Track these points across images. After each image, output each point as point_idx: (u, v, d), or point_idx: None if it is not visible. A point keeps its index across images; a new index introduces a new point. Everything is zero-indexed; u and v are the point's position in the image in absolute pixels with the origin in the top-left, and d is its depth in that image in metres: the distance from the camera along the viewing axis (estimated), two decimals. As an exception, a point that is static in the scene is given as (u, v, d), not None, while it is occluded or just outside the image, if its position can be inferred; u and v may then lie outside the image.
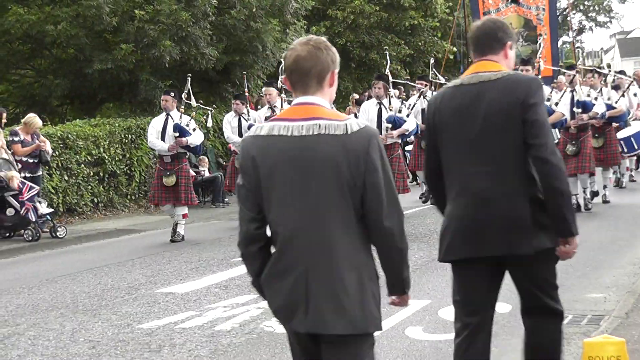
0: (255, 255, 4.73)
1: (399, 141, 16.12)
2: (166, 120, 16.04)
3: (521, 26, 24.88)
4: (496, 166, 5.63)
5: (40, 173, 17.56)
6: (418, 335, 8.77)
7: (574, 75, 17.02)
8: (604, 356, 5.02)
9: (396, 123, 15.51)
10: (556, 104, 16.06)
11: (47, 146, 17.35)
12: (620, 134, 18.84)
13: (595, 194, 17.44)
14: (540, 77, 15.66)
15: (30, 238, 16.29)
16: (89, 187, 20.10)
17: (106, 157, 20.48)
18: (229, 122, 18.32)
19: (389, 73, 16.93)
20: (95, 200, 20.43)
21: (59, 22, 23.06)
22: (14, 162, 16.53)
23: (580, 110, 16.30)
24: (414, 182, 22.48)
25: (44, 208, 16.41)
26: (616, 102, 17.87)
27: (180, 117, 16.03)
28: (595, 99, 16.66)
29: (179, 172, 15.94)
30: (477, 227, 5.65)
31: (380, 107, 15.79)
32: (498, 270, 5.88)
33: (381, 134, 14.95)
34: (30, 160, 17.08)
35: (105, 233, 17.57)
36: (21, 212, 16.02)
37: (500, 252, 5.66)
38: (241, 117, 18.10)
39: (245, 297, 10.92)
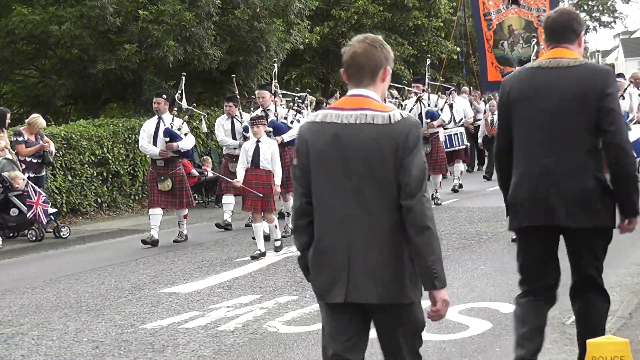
0: (304, 230, 5.16)
1: None
2: (158, 123, 15.74)
3: (522, 28, 24.70)
4: (566, 146, 6.11)
5: (44, 173, 17.56)
6: (423, 335, 8.74)
7: None
8: (607, 356, 5.02)
9: None
10: None
11: (51, 147, 17.33)
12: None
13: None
14: None
15: (34, 238, 16.31)
16: (93, 187, 20.10)
17: (110, 157, 20.49)
18: (222, 125, 17.94)
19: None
20: (99, 200, 20.44)
21: (63, 23, 23.07)
22: (18, 163, 16.53)
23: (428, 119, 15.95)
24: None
25: (48, 208, 16.43)
26: None
27: (172, 121, 15.74)
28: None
29: (174, 176, 15.66)
30: (545, 199, 6.15)
31: None
32: (556, 239, 6.46)
33: None
34: (34, 161, 17.06)
35: (108, 233, 17.58)
36: (28, 215, 16.03)
37: (565, 223, 6.19)
38: (234, 120, 17.72)
39: (249, 297, 10.93)
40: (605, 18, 79.31)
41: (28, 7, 23.57)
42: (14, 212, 16.17)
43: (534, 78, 6.26)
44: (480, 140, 25.63)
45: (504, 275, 11.51)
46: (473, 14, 26.63)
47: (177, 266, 13.41)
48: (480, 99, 28.49)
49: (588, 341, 5.17)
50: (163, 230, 15.86)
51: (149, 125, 15.97)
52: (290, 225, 15.30)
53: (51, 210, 16.62)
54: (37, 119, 17.47)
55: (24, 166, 16.61)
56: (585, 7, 78.26)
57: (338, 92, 30.79)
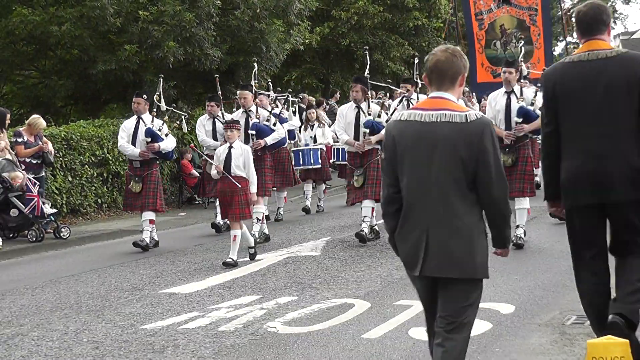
0: (393, 215, 6.08)
1: (378, 147, 14.47)
2: (137, 123, 15.32)
3: (514, 27, 24.34)
4: (613, 128, 6.85)
5: (43, 174, 17.54)
6: (422, 336, 8.73)
7: None
8: (608, 357, 5.03)
9: (374, 128, 14.42)
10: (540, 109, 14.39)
11: (49, 147, 17.31)
12: None
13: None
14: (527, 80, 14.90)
15: (34, 239, 16.30)
16: (93, 187, 20.08)
17: (110, 157, 20.48)
18: (203, 125, 17.50)
19: (368, 75, 16.00)
20: (99, 201, 20.42)
21: (63, 23, 23.08)
22: (18, 163, 16.51)
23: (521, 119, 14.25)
24: None
25: (47, 209, 16.41)
26: None
27: (152, 121, 15.33)
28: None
29: (148, 177, 15.14)
30: (596, 179, 6.90)
31: (358, 112, 14.74)
32: (605, 213, 7.15)
33: (358, 139, 14.53)
34: (34, 162, 17.04)
35: (108, 234, 17.58)
36: (25, 211, 16.02)
37: (615, 199, 6.92)
38: (215, 120, 17.29)
39: (249, 297, 10.93)
40: (605, 19, 79.20)
41: (28, 7, 23.55)
42: (14, 212, 16.14)
43: (577, 71, 6.99)
44: None
45: (504, 276, 11.51)
46: (464, 14, 26.32)
47: (177, 267, 13.41)
48: (474, 100, 28.13)
49: (588, 342, 5.19)
50: (164, 231, 15.87)
51: (128, 124, 15.59)
52: (265, 230, 15.36)
53: (51, 210, 16.62)
54: (38, 119, 17.45)
55: (23, 167, 16.58)
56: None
57: (338, 93, 30.82)
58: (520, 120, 13.21)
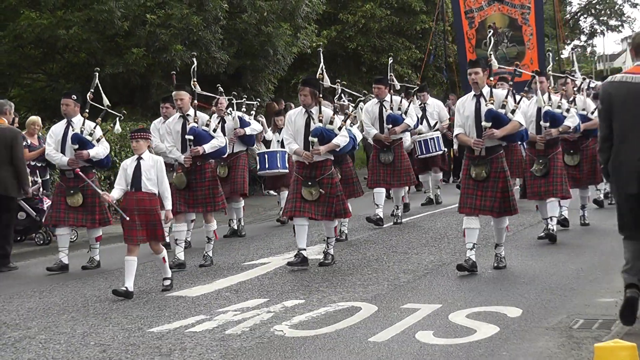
0: (606, 150, 8.64)
1: (331, 157, 13.10)
2: (67, 128, 14.05)
3: (505, 26, 23.81)
4: None
5: (48, 177, 17.56)
6: (428, 339, 8.76)
7: (537, 82, 14.19)
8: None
9: (324, 136, 12.76)
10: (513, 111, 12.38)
11: None
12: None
13: (565, 221, 15.27)
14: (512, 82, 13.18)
15: (42, 242, 16.32)
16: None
17: (117, 161, 20.46)
18: (157, 130, 15.98)
19: (326, 78, 14.18)
20: (107, 204, 20.40)
21: (70, 27, 23.14)
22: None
23: (548, 123, 13.78)
24: (419, 189, 22.06)
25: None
26: (592, 113, 15.43)
27: (83, 124, 13.95)
28: (567, 110, 14.07)
29: (85, 189, 13.85)
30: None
31: (308, 118, 12.97)
32: None
33: (307, 149, 12.80)
34: (39, 164, 17.06)
35: (116, 237, 17.49)
36: (33, 215, 16.04)
37: None
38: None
39: (256, 300, 10.93)
40: (612, 22, 79.14)
41: (36, 11, 23.61)
42: (21, 215, 16.17)
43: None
44: (455, 147, 23.10)
45: (511, 279, 11.52)
46: (453, 12, 25.83)
47: (184, 270, 13.41)
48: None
49: (596, 345, 5.18)
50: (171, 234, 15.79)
51: (57, 129, 14.19)
52: (210, 253, 13.98)
53: None
54: (32, 117, 17.50)
55: (28, 170, 16.57)
56: (593, 11, 78.17)
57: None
58: (489, 124, 11.66)
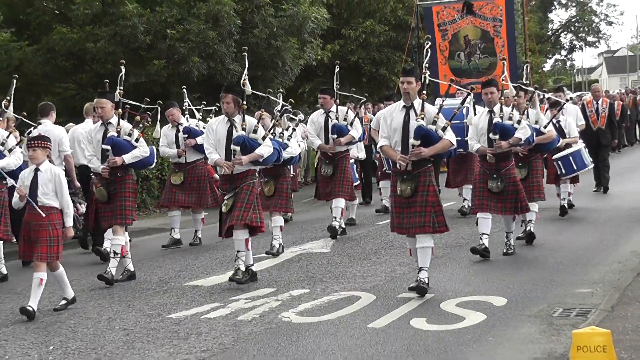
0: None
1: (254, 168, 11.40)
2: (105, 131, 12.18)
3: (478, 38, 23.21)
4: None
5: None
6: (422, 325, 8.77)
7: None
8: (591, 346, 5.02)
9: (247, 146, 10.99)
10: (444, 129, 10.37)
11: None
12: (558, 154, 15.75)
13: (530, 236, 13.52)
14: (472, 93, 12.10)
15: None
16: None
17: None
18: (165, 135, 15.16)
19: (247, 85, 11.67)
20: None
21: (98, 40, 23.21)
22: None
23: (497, 136, 11.88)
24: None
25: (83, 208, 16.36)
26: (545, 127, 13.62)
27: (119, 124, 12.10)
28: (519, 122, 12.24)
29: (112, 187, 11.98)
30: None
31: (230, 126, 11.20)
32: None
33: (229, 159, 11.04)
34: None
35: (138, 231, 17.53)
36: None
37: None
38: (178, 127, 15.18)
39: (265, 290, 10.94)
40: (590, 38, 79.13)
41: (67, 26, 23.72)
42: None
43: None
44: None
45: (498, 271, 11.51)
46: (426, 25, 25.14)
47: (200, 262, 13.42)
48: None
49: (574, 332, 5.18)
50: (188, 229, 15.82)
51: (96, 135, 12.34)
52: (130, 267, 12.15)
53: (83, 209, 16.52)
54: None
55: None
56: (573, 29, 78.14)
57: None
58: (417, 142, 9.81)
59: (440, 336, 8.34)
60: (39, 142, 10.04)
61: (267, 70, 25.94)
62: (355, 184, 16.63)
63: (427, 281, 10.14)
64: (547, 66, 73.52)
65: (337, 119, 14.71)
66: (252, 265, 11.56)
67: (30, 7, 24.59)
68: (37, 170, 9.92)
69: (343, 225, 15.58)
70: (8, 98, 12.79)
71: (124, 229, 11.98)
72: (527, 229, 13.43)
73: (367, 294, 10.28)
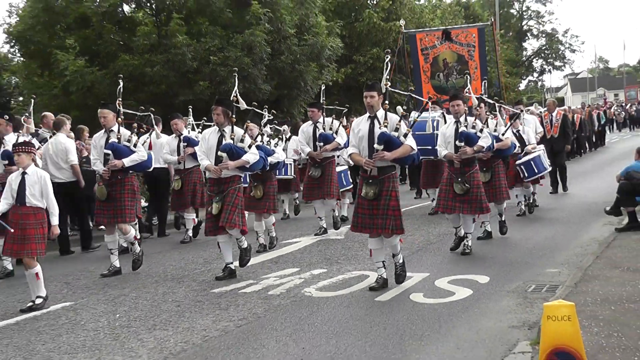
0: None
1: (240, 174, 10.73)
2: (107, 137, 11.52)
3: (455, 61, 23.07)
4: None
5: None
6: (419, 299, 8.75)
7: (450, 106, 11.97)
8: (559, 316, 5.00)
9: (234, 153, 10.36)
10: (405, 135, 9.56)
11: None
12: (520, 160, 15.15)
13: (489, 235, 12.79)
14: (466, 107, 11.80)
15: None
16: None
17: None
18: (168, 143, 14.71)
19: (241, 101, 11.32)
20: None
21: (154, 66, 23.31)
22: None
23: (463, 143, 11.24)
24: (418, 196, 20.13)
25: (142, 202, 16.28)
26: (503, 134, 13.11)
27: (119, 131, 11.42)
28: (481, 130, 11.64)
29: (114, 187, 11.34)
30: None
31: (220, 135, 10.52)
32: None
33: (216, 163, 10.41)
34: None
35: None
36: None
37: None
38: (180, 137, 14.70)
39: (291, 269, 10.94)
40: (557, 63, 78.92)
41: (129, 54, 23.83)
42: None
43: None
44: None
45: (481, 255, 11.48)
46: (411, 50, 24.71)
47: (237, 247, 13.41)
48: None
49: (544, 304, 5.15)
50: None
51: (98, 138, 11.66)
52: (117, 263, 11.33)
53: (145, 204, 16.52)
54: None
55: None
56: (543, 55, 77.98)
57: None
58: (381, 147, 9.11)
59: (435, 308, 8.33)
60: (23, 147, 9.32)
61: (292, 89, 25.98)
62: (348, 187, 16.33)
63: (402, 261, 9.67)
64: (522, 86, 73.16)
65: (323, 129, 14.21)
66: (232, 263, 10.77)
67: (100, 39, 24.82)
68: (24, 173, 9.19)
69: (345, 214, 15.67)
70: (27, 114, 11.97)
71: (129, 226, 11.42)
72: (485, 228, 12.76)
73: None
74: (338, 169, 15.15)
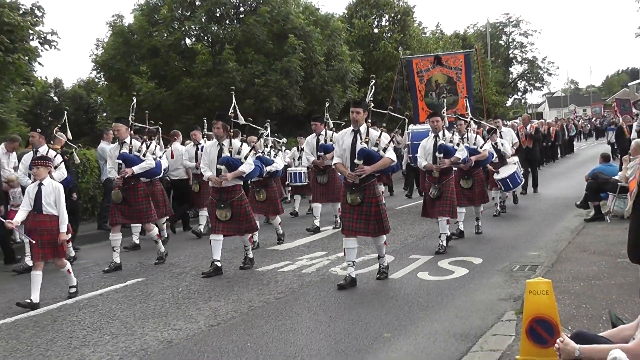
0: None
1: (239, 183, 9.76)
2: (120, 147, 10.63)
3: (445, 82, 22.92)
4: None
5: None
6: (425, 277, 8.72)
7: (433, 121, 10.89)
8: (539, 290, 4.97)
9: (232, 165, 9.49)
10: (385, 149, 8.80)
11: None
12: (497, 177, 14.39)
13: (461, 234, 11.82)
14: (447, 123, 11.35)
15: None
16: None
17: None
18: (188, 152, 13.89)
19: (238, 115, 10.74)
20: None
21: (210, 87, 23.52)
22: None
23: (442, 155, 10.47)
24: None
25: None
26: (481, 147, 12.32)
27: (131, 143, 10.61)
28: (458, 144, 10.98)
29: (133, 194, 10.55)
30: None
31: (220, 148, 9.65)
32: None
33: (217, 175, 9.52)
34: None
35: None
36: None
37: None
38: (198, 146, 13.75)
39: (320, 252, 10.94)
40: (537, 84, 78.28)
41: (190, 78, 24.03)
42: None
43: None
44: (404, 168, 19.59)
45: (476, 241, 11.42)
46: (409, 72, 24.34)
47: (275, 235, 13.42)
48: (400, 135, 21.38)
49: (527, 281, 5.10)
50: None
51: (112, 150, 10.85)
52: (117, 259, 10.33)
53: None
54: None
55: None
56: (525, 78, 77.35)
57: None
58: (361, 161, 8.33)
59: (438, 284, 8.30)
60: (41, 161, 8.62)
61: (321, 105, 25.93)
62: None
63: (386, 265, 8.96)
64: (509, 102, 72.65)
65: (325, 140, 13.41)
66: (219, 260, 9.71)
67: (167, 66, 25.11)
68: (40, 184, 8.46)
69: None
70: (59, 126, 11.13)
71: (151, 225, 10.67)
72: (458, 227, 11.81)
73: (388, 255, 10.22)
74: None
